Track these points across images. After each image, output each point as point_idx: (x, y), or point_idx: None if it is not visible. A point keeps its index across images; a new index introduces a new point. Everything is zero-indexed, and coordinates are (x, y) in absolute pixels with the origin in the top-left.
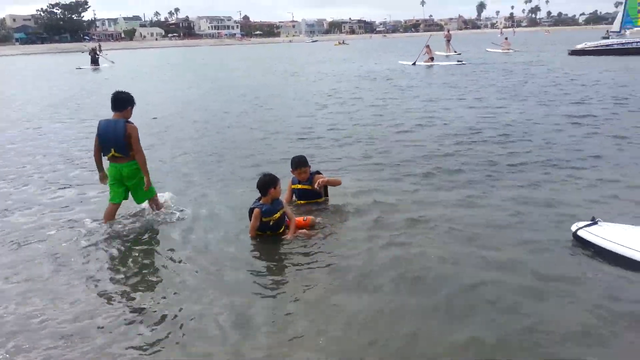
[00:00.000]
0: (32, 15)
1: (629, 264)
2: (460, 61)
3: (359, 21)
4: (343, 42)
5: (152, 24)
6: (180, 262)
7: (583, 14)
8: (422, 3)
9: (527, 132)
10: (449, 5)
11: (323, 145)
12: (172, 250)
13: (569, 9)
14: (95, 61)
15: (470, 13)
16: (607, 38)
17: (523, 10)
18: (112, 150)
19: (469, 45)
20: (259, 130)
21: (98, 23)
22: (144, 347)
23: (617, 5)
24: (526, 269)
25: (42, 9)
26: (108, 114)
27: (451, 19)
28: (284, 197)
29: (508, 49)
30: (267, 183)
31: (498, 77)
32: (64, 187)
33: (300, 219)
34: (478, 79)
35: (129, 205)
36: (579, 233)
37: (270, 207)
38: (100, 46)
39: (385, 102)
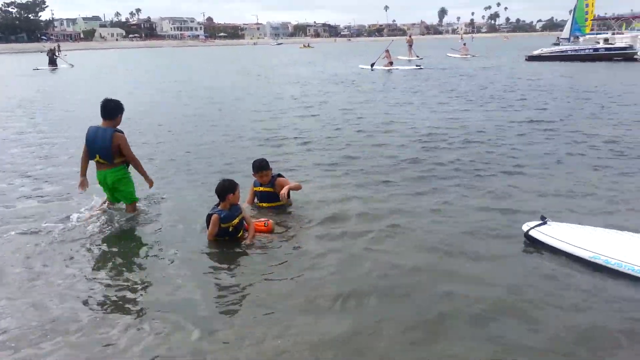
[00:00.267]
0: None
1: (575, 260)
2: (419, 66)
3: (324, 25)
4: (308, 45)
5: (113, 24)
6: (139, 269)
7: (540, 20)
8: (386, 8)
9: (485, 137)
10: (412, 10)
11: (288, 148)
12: (131, 254)
13: (527, 16)
14: (53, 62)
15: (432, 19)
16: (558, 44)
17: (483, 17)
18: (97, 156)
19: (431, 51)
20: (223, 134)
21: (56, 23)
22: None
23: (571, 12)
24: (480, 271)
25: None
26: (63, 116)
27: (414, 24)
28: (245, 199)
29: (466, 55)
30: (226, 189)
31: (459, 82)
32: (25, 197)
33: (261, 223)
34: (440, 84)
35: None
36: (530, 233)
37: (229, 213)
38: (59, 46)
39: (350, 106)
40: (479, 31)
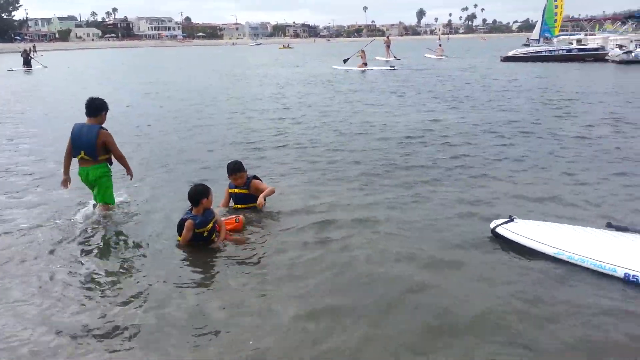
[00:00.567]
0: None
1: (540, 257)
2: (393, 67)
3: (303, 25)
4: (288, 46)
5: (89, 24)
6: (115, 271)
7: (516, 21)
8: (365, 9)
9: (460, 137)
10: (390, 11)
11: (264, 150)
12: (100, 257)
13: (503, 17)
14: (27, 63)
15: (410, 20)
16: (528, 45)
17: (460, 18)
18: (82, 152)
19: (409, 51)
20: (199, 136)
21: (30, 23)
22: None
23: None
24: (446, 265)
25: None
26: (37, 118)
27: (392, 25)
28: (220, 202)
29: (441, 55)
30: (200, 193)
31: (436, 83)
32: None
33: (232, 219)
34: (416, 84)
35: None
36: (497, 230)
37: (203, 218)
38: (34, 47)
39: (328, 107)
40: (456, 32)
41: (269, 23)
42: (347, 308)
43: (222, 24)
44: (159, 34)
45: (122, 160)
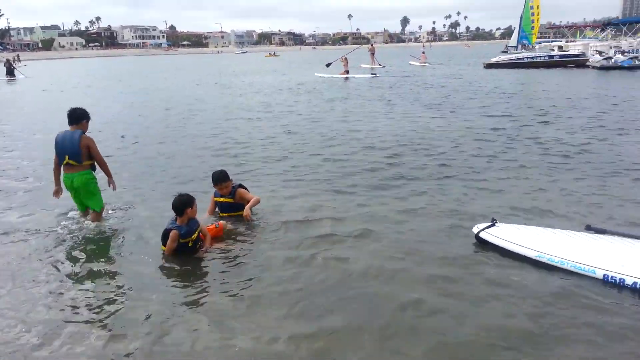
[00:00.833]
0: None
1: (522, 260)
2: (375, 74)
3: (289, 33)
4: (274, 54)
5: (72, 33)
6: (102, 277)
7: (499, 28)
8: (349, 17)
9: (444, 143)
10: (375, 19)
11: (251, 157)
12: (85, 268)
13: (486, 24)
14: (10, 72)
15: (395, 27)
16: (506, 52)
17: (444, 25)
18: (67, 157)
19: (394, 59)
20: (185, 145)
21: (13, 32)
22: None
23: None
24: (434, 276)
25: None
26: (19, 129)
27: (377, 32)
28: (205, 210)
29: (424, 62)
30: (184, 203)
31: (420, 90)
32: None
33: (212, 226)
34: (402, 91)
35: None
36: (480, 235)
37: (188, 228)
38: (18, 56)
39: (313, 115)
40: (440, 39)
41: (254, 31)
42: (337, 326)
43: (207, 32)
44: (143, 43)
45: (104, 166)
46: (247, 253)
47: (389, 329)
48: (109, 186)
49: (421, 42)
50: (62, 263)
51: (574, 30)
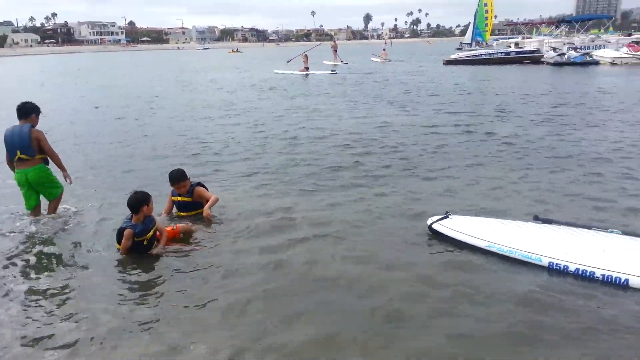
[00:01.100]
0: None
1: (473, 250)
2: (334, 71)
3: (252, 29)
4: (237, 50)
5: (27, 29)
6: (56, 275)
7: (459, 25)
8: (313, 13)
9: (403, 139)
10: (338, 16)
11: (211, 156)
12: (40, 267)
13: (446, 22)
14: None
15: (358, 24)
16: (461, 49)
17: (405, 22)
18: (18, 152)
19: (357, 55)
20: (147, 143)
21: None
22: None
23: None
24: (389, 264)
25: None
26: None
27: (340, 29)
28: (162, 209)
29: (385, 59)
30: (139, 201)
31: (382, 86)
32: None
33: (170, 227)
34: (363, 88)
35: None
36: (434, 226)
37: (143, 227)
38: None
39: (277, 112)
40: (402, 36)
41: (216, 27)
42: (302, 332)
43: (168, 28)
44: (101, 39)
45: (56, 159)
46: (206, 255)
47: (350, 333)
48: (65, 180)
49: (383, 39)
50: (14, 266)
51: (530, 27)
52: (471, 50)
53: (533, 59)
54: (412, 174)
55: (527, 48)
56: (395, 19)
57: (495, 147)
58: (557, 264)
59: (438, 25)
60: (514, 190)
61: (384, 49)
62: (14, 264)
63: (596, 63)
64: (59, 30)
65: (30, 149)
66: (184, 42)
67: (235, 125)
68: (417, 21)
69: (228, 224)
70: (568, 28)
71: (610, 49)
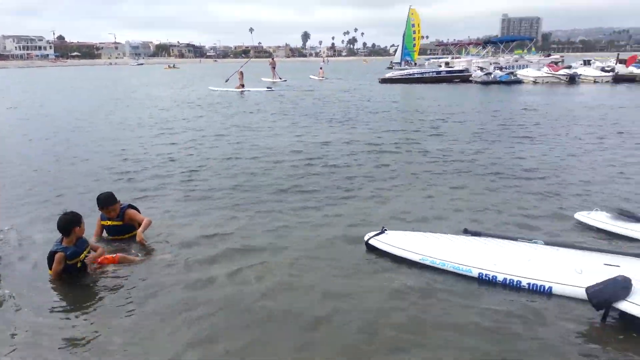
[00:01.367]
0: None
1: (408, 263)
2: (269, 88)
3: (188, 45)
4: (174, 66)
5: None
6: None
7: (393, 45)
8: (251, 30)
9: (338, 155)
10: (276, 34)
11: (144, 177)
12: None
13: (381, 41)
14: None
15: (296, 42)
16: (391, 68)
17: (342, 41)
18: None
19: (295, 73)
20: (78, 165)
21: None
22: None
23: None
24: (326, 282)
25: None
26: None
27: (279, 46)
28: (91, 232)
29: (322, 77)
30: (70, 222)
31: (319, 104)
32: None
33: (110, 257)
34: (300, 106)
35: None
36: (370, 242)
37: (75, 249)
38: None
39: (215, 130)
40: (339, 55)
41: (151, 42)
42: (242, 351)
43: (100, 43)
44: (28, 54)
45: None
46: (144, 278)
47: (293, 348)
48: None
49: (322, 57)
50: None
51: (459, 47)
52: (402, 69)
53: (462, 77)
54: (352, 191)
55: (457, 67)
56: (333, 38)
57: (431, 164)
58: (486, 275)
59: (374, 45)
60: (447, 204)
61: (321, 68)
62: None
63: (520, 82)
64: None
65: None
66: (116, 57)
67: (172, 145)
68: (353, 40)
69: (163, 248)
70: (494, 49)
71: (533, 68)
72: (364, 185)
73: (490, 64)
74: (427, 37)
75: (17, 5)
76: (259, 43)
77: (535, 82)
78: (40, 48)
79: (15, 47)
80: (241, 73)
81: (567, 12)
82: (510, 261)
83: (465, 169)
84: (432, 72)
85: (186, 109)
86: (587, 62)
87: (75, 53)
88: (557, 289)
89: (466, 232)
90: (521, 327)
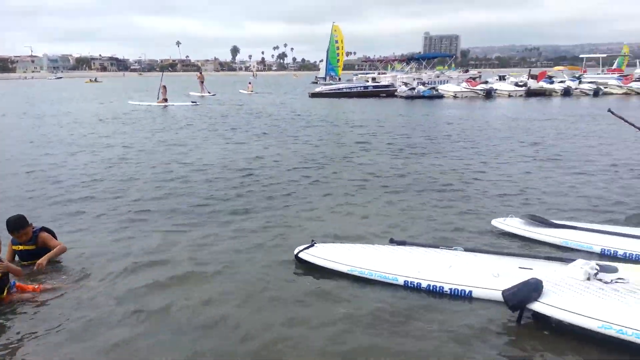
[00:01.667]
0: None
1: (338, 275)
2: (195, 102)
3: (111, 58)
4: (95, 80)
5: None
6: None
7: (322, 60)
8: (178, 44)
9: (267, 169)
10: (205, 47)
11: (70, 198)
12: None
13: (310, 56)
14: None
15: (225, 56)
16: (316, 83)
17: (272, 56)
18: None
19: (225, 87)
20: None
21: None
22: None
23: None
24: (257, 296)
25: None
26: None
27: (207, 60)
28: (4, 255)
29: (251, 91)
30: None
31: (253, 119)
32: None
33: (31, 286)
34: (229, 120)
35: None
36: (300, 255)
37: None
38: None
39: (144, 147)
40: (270, 69)
41: (71, 55)
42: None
43: (15, 56)
44: None
45: None
46: (62, 306)
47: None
48: None
49: (251, 71)
50: None
51: (385, 63)
52: (327, 83)
53: (388, 92)
54: (283, 205)
55: (383, 82)
56: (263, 52)
57: (359, 176)
58: (411, 282)
59: (303, 60)
60: (374, 215)
61: (250, 83)
62: None
63: (441, 96)
64: None
65: None
66: (33, 71)
67: (93, 162)
68: (283, 55)
69: (87, 270)
70: (417, 65)
71: (453, 83)
72: (295, 200)
73: (414, 79)
74: (354, 53)
75: None
76: (187, 56)
77: (455, 97)
78: None
79: None
80: (164, 87)
81: (483, 30)
82: (433, 268)
83: (390, 181)
84: (360, 86)
85: (109, 125)
86: (502, 78)
87: None
88: (476, 293)
89: (392, 241)
90: (443, 330)
